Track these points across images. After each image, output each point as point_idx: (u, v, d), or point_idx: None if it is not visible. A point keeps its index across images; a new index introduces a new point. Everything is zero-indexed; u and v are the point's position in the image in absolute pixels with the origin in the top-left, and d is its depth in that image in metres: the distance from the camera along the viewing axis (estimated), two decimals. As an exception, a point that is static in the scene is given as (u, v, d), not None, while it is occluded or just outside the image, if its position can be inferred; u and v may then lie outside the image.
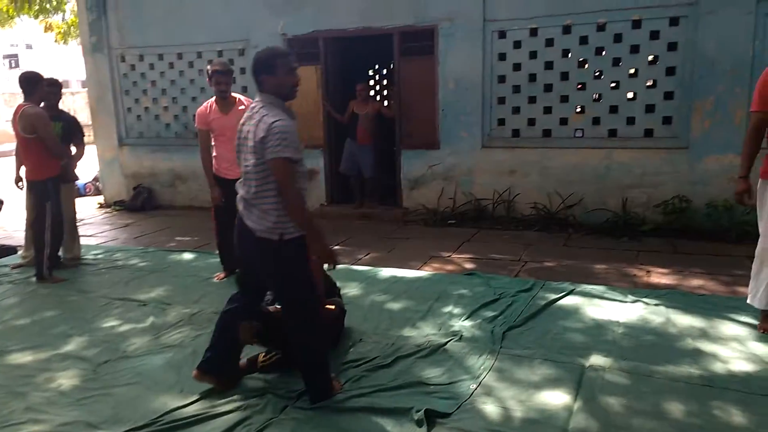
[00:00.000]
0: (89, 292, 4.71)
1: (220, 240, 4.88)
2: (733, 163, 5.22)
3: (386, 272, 5.01)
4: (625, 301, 4.11)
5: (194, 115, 5.01)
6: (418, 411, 2.71)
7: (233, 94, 4.78)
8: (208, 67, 4.81)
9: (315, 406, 2.83)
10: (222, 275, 4.95)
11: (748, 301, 3.62)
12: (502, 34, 6.56)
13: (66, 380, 3.22)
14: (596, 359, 3.25)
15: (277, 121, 2.59)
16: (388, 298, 4.35)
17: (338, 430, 2.67)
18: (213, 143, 4.76)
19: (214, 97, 4.75)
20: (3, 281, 5.02)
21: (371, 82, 10.07)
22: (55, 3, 11.41)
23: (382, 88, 10.36)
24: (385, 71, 10.10)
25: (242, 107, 4.61)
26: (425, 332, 3.70)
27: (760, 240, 3.49)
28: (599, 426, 2.64)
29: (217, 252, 5.04)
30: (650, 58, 6.10)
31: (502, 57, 6.63)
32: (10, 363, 3.48)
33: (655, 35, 5.99)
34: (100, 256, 5.77)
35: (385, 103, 9.49)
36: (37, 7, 11.08)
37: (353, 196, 7.70)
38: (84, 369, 3.35)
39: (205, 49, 7.94)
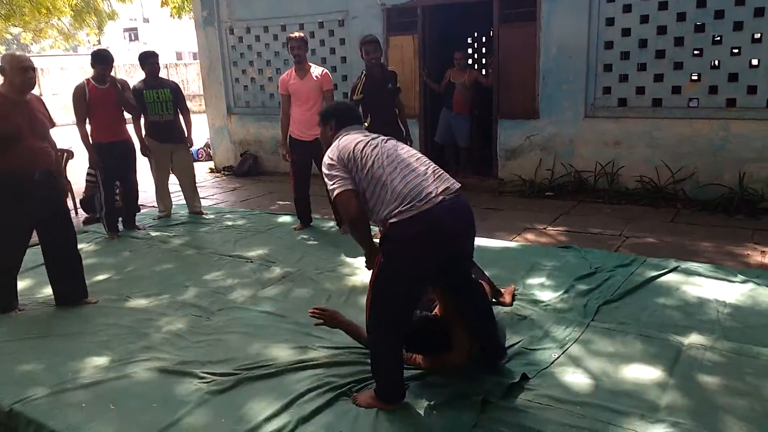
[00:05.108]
0: (203, 248, 5.13)
1: (298, 195, 5.51)
2: None
3: (476, 242, 4.98)
4: (734, 281, 3.86)
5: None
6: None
7: (309, 63, 5.31)
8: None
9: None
10: (299, 227, 5.56)
11: None
12: (611, -2, 6.23)
13: (183, 325, 3.58)
14: (696, 338, 3.11)
15: None
16: (477, 267, 4.36)
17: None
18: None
19: (294, 66, 5.33)
20: (125, 236, 5.56)
21: (470, 51, 9.90)
22: (171, -21, 12.24)
23: (480, 56, 10.16)
24: (483, 39, 9.89)
25: (316, 75, 5.20)
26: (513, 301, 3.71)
27: None
28: (693, 403, 2.56)
29: (295, 206, 5.62)
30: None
31: (610, 22, 6.30)
32: (134, 307, 3.90)
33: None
34: (211, 217, 6.23)
35: (483, 72, 9.32)
36: (154, -16, 11.96)
37: (448, 166, 7.70)
38: (198, 316, 3.70)
39: (306, 21, 8.16)
